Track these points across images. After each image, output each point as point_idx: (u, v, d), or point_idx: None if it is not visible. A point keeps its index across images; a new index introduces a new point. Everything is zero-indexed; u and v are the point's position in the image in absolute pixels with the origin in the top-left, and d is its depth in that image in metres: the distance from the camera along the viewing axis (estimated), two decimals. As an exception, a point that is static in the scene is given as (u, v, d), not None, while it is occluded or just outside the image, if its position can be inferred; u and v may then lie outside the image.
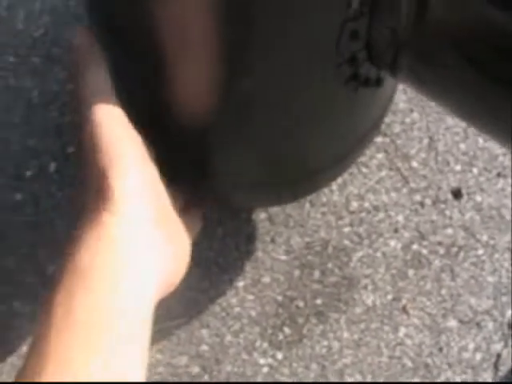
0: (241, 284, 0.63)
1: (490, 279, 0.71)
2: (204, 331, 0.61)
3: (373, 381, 0.62)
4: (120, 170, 0.38)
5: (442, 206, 0.74)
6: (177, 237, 0.42)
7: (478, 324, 0.69)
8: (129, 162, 0.39)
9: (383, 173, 0.74)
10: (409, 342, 0.66)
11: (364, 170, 0.74)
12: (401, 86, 0.75)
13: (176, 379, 0.63)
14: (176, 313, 0.60)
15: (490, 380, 0.66)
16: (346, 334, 0.64)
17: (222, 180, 0.62)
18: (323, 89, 0.55)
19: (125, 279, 0.36)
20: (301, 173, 0.65)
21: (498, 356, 0.67)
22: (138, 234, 0.38)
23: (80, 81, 0.42)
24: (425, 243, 0.71)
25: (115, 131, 0.40)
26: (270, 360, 0.62)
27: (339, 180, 0.71)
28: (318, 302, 0.65)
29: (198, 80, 0.54)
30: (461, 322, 0.68)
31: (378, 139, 0.75)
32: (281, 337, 0.63)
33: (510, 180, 0.76)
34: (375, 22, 0.49)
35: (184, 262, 0.43)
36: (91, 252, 0.36)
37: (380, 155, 0.75)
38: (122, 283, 0.36)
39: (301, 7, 0.46)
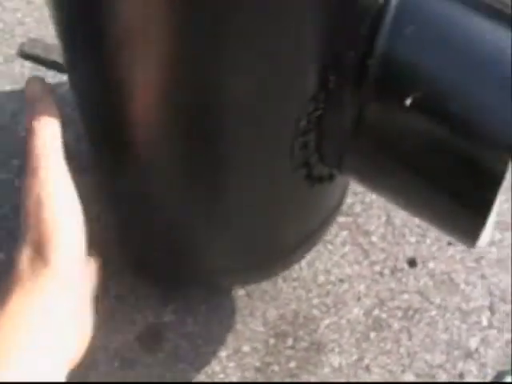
0: (223, 354, 0.76)
1: (443, 337, 0.82)
2: (192, 397, 0.73)
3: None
4: (58, 243, 0.41)
5: (399, 274, 0.86)
6: (86, 323, 0.47)
7: (432, 377, 0.80)
8: (66, 237, 0.42)
9: (346, 248, 0.86)
10: (371, 396, 0.77)
11: (329, 246, 0.86)
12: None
13: None
14: (167, 381, 0.73)
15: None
16: (316, 393, 0.76)
17: (202, 268, 0.75)
18: (284, 187, 0.68)
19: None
20: (273, 255, 0.78)
21: (451, 404, 0.78)
22: (62, 308, 0.42)
23: (33, 136, 0.45)
24: (384, 308, 0.83)
25: (59, 201, 0.43)
26: (249, 419, 0.73)
27: (308, 257, 0.84)
28: (292, 365, 0.77)
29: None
30: (417, 375, 0.79)
31: (342, 219, 0.88)
32: (259, 398, 0.75)
33: (458, 247, 0.88)
34: (322, 134, 0.63)
35: (85, 344, 0.47)
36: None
37: (344, 233, 0.87)
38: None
39: (257, 129, 0.60)
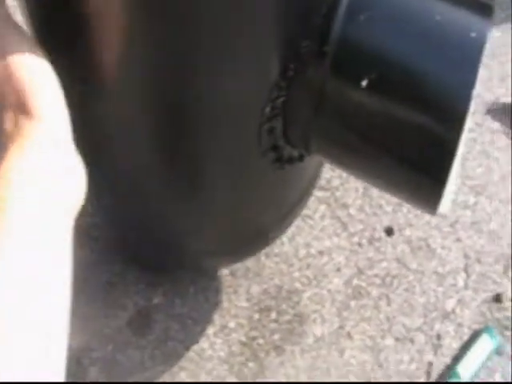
0: (211, 331, 0.80)
1: (420, 300, 0.86)
2: (182, 374, 0.77)
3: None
4: (39, 97, 0.39)
5: (377, 243, 0.89)
6: (78, 170, 0.43)
7: (411, 340, 0.84)
8: (46, 91, 0.40)
9: (325, 222, 0.90)
10: (353, 361, 0.81)
11: (309, 221, 0.90)
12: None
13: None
14: (159, 361, 0.77)
15: (423, 385, 0.81)
16: (300, 362, 0.80)
17: (187, 252, 0.78)
18: (256, 171, 0.71)
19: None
20: (254, 235, 0.81)
21: (430, 364, 0.83)
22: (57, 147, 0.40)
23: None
24: (363, 277, 0.87)
25: (27, 61, 0.40)
26: (237, 391, 0.78)
27: (288, 233, 0.87)
28: (276, 337, 0.82)
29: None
30: (397, 339, 0.84)
31: (320, 193, 0.91)
32: (246, 371, 0.79)
33: (434, 214, 0.91)
34: (287, 118, 0.66)
35: (82, 191, 0.44)
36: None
37: (322, 207, 0.91)
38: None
39: (224, 119, 0.63)
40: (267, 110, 0.63)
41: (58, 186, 0.39)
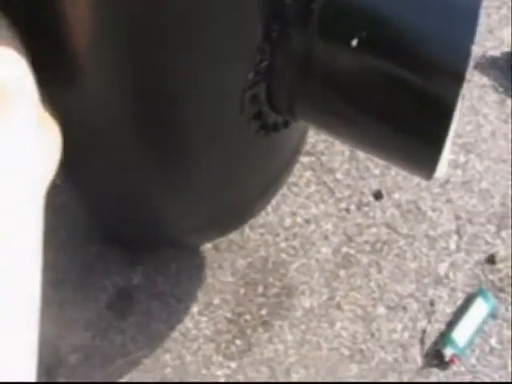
0: (195, 310, 0.76)
1: (412, 265, 0.83)
2: (167, 356, 0.74)
3: (315, 372, 0.75)
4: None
5: (366, 208, 0.86)
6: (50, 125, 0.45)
7: (403, 307, 0.81)
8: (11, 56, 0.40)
9: (311, 188, 0.86)
10: (344, 333, 0.78)
11: (294, 189, 0.85)
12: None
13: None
14: (141, 344, 0.73)
15: (418, 355, 0.79)
16: (289, 337, 0.77)
17: (170, 228, 0.74)
18: (240, 140, 0.66)
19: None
20: (238, 207, 0.77)
21: (424, 332, 0.80)
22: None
23: None
24: (353, 244, 0.83)
25: None
26: (226, 370, 0.74)
27: (273, 202, 0.83)
28: (263, 312, 0.78)
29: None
30: (389, 308, 0.81)
31: (305, 159, 0.87)
32: (233, 349, 0.75)
33: (423, 175, 0.87)
34: (271, 83, 0.61)
35: (58, 143, 0.46)
36: None
37: (307, 173, 0.87)
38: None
39: (205, 87, 0.58)
40: (250, 75, 0.58)
41: (22, 159, 0.39)
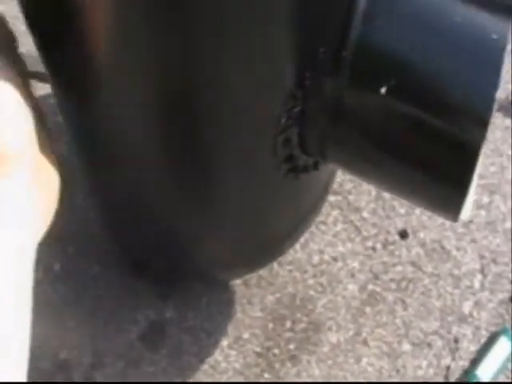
0: (225, 343, 0.78)
1: (437, 303, 0.85)
2: (198, 388, 0.76)
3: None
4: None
5: (391, 247, 0.88)
6: (49, 179, 0.45)
7: (428, 344, 0.82)
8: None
9: (338, 227, 0.88)
10: (370, 369, 0.80)
11: (322, 227, 0.88)
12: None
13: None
14: (173, 375, 0.76)
15: (442, 391, 0.80)
16: (317, 372, 0.79)
17: (200, 263, 0.76)
18: (271, 182, 0.69)
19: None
20: (268, 246, 0.79)
21: (448, 369, 0.81)
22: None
23: None
24: (378, 282, 0.85)
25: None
26: (254, 403, 0.77)
27: (301, 239, 0.86)
28: (291, 347, 0.80)
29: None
30: (413, 344, 0.82)
31: (332, 198, 0.89)
32: (262, 382, 0.77)
33: (447, 215, 0.90)
34: (304, 129, 0.64)
35: (55, 196, 0.45)
36: None
37: (335, 212, 0.89)
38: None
39: (238, 131, 0.61)
40: (283, 120, 0.61)
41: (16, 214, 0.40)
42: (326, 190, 0.82)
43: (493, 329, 0.84)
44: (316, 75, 0.59)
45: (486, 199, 0.92)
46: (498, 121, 0.98)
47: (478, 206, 0.91)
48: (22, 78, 0.46)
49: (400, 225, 0.89)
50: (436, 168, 0.60)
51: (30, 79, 0.80)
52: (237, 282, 0.82)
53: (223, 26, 0.51)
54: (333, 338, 0.81)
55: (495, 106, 1.05)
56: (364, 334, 0.82)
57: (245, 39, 0.52)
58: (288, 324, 0.81)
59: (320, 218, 0.87)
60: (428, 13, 0.60)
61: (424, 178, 0.62)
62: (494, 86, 0.57)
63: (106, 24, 0.51)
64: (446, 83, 0.58)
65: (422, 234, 0.88)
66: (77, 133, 0.68)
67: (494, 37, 0.58)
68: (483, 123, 0.57)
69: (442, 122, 0.58)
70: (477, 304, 0.85)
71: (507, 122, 0.98)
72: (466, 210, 0.62)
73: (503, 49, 0.58)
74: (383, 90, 0.57)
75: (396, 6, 0.59)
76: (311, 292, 0.83)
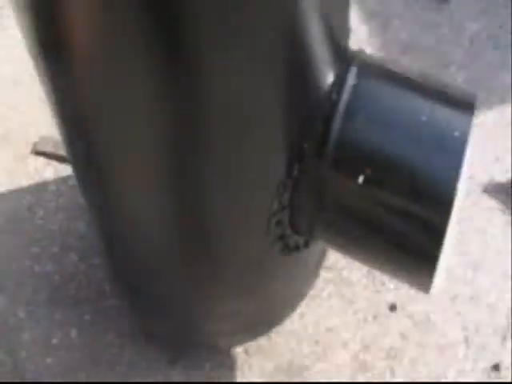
0: (227, 406, 0.86)
1: (423, 371, 0.92)
2: None
3: None
4: None
5: (381, 319, 0.96)
6: None
7: (416, 410, 0.89)
8: None
9: (332, 300, 0.97)
10: (360, 431, 0.87)
11: (317, 300, 0.96)
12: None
13: None
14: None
15: None
16: (311, 433, 0.86)
17: (204, 332, 0.85)
18: (266, 261, 0.78)
19: None
20: (265, 317, 0.88)
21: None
22: None
23: None
24: (369, 351, 0.93)
25: None
26: None
27: (298, 311, 0.94)
28: (288, 411, 0.87)
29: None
30: (402, 409, 0.89)
31: (327, 274, 0.98)
32: None
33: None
34: (293, 212, 0.73)
35: None
36: None
37: (329, 286, 0.98)
38: None
39: (235, 217, 0.70)
40: (275, 205, 0.71)
41: None
42: (317, 265, 0.91)
43: (476, 397, 0.90)
44: (302, 167, 0.69)
45: (469, 275, 1.00)
46: (483, 202, 1.07)
47: (464, 280, 0.99)
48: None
49: (389, 298, 0.97)
50: (409, 246, 0.69)
51: (59, 163, 0.92)
52: (238, 350, 0.90)
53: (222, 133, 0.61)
54: (326, 403, 0.88)
55: (480, 188, 1.15)
56: (355, 399, 0.89)
57: (241, 142, 0.63)
58: (285, 389, 0.89)
59: (316, 292, 0.96)
60: (398, 111, 0.69)
61: (398, 254, 0.70)
62: (456, 175, 0.65)
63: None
64: (416, 173, 0.67)
65: (409, 307, 0.96)
66: (93, 210, 0.78)
67: (456, 134, 0.68)
68: (447, 207, 0.65)
69: (411, 204, 0.67)
70: (460, 372, 0.92)
71: (491, 203, 1.07)
72: (438, 283, 0.70)
73: (463, 145, 0.67)
74: (360, 180, 0.67)
75: (370, 110, 0.69)
76: (306, 360, 0.91)
